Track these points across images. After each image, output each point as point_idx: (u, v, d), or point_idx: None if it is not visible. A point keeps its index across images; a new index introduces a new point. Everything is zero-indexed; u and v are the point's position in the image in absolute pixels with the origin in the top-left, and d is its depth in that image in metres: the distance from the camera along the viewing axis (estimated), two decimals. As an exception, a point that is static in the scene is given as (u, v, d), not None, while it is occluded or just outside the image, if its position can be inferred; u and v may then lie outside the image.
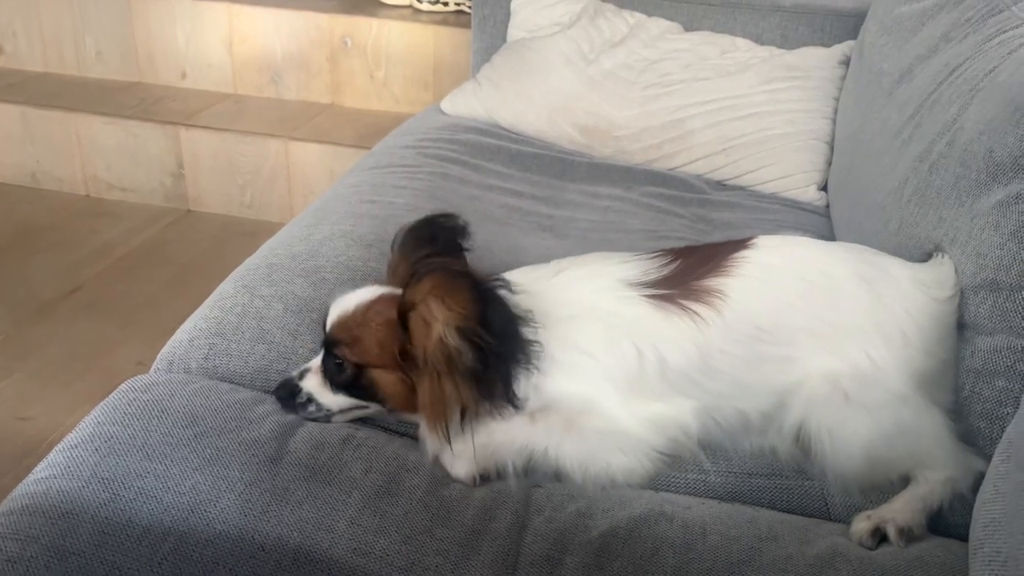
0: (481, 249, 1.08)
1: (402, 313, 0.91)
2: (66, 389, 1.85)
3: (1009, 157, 0.90)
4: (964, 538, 0.84)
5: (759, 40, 1.88)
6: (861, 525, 0.89)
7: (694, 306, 0.95)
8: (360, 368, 0.94)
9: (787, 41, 1.88)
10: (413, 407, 0.93)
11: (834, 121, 1.72)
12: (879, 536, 0.88)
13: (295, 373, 0.99)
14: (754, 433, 0.99)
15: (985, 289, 0.92)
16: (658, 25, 1.90)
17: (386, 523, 0.84)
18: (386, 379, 0.94)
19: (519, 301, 0.92)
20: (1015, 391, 0.89)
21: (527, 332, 0.90)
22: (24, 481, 0.86)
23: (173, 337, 1.13)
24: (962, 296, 0.97)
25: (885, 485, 0.95)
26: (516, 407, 0.92)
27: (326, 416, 0.97)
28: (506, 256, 1.26)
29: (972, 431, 0.94)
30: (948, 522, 0.91)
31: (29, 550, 0.77)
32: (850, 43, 1.81)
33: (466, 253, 1.03)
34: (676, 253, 1.02)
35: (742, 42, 1.86)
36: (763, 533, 0.87)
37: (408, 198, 1.45)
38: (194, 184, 2.65)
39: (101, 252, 2.41)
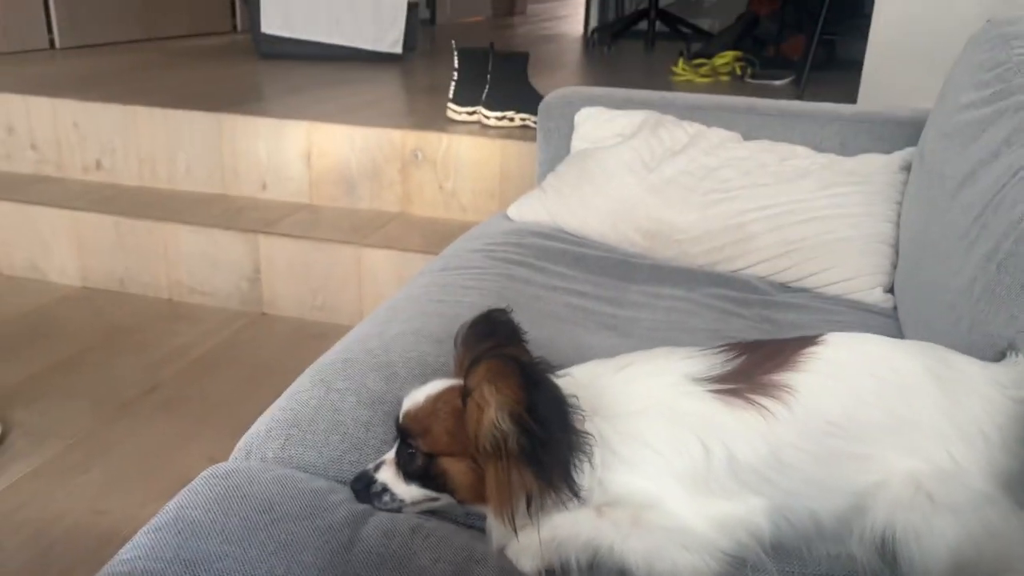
0: (546, 346, 1.11)
1: (464, 400, 0.93)
2: (141, 483, 1.90)
3: (1077, 253, 0.90)
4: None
5: (818, 148, 1.93)
6: (946, 632, 0.85)
7: (762, 400, 0.94)
8: (431, 457, 0.96)
9: (846, 149, 1.92)
10: (481, 497, 0.94)
11: (897, 224, 1.74)
12: (965, 642, 0.84)
13: (371, 466, 1.02)
14: (829, 539, 0.96)
15: (1063, 386, 0.91)
16: (718, 135, 1.96)
17: (455, 613, 0.84)
18: (455, 467, 0.95)
19: (573, 390, 0.93)
20: (1103, 492, 0.86)
21: (576, 419, 0.91)
22: (109, 563, 0.89)
23: (251, 428, 1.17)
24: (1039, 393, 0.95)
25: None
26: (577, 496, 0.91)
27: (399, 507, 0.99)
28: (570, 352, 1.28)
29: (1060, 535, 0.90)
30: (1040, 631, 0.87)
31: (112, 628, 0.79)
32: (910, 149, 1.84)
33: (525, 344, 1.06)
34: (742, 348, 1.02)
35: (801, 150, 1.91)
36: (841, 637, 0.84)
37: (475, 297, 1.50)
38: (269, 288, 2.77)
39: (179, 353, 2.52)
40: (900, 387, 0.97)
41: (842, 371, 0.98)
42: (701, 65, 4.31)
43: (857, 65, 3.13)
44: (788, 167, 1.85)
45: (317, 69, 4.23)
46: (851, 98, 3.01)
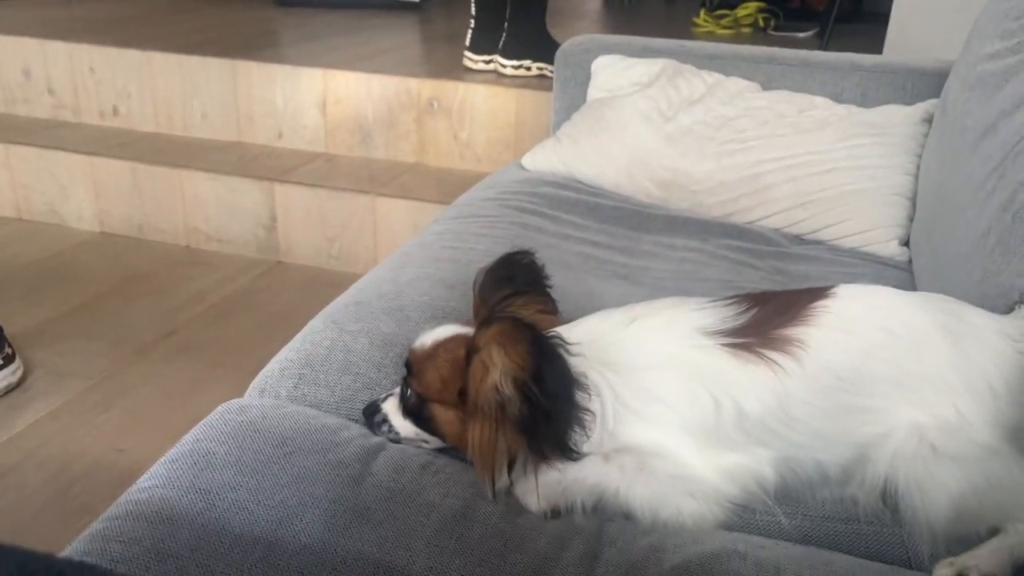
0: (557, 294, 1.11)
1: (469, 354, 0.93)
2: (160, 424, 1.94)
3: (1094, 202, 0.89)
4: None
5: (838, 99, 1.90)
6: (943, 572, 0.86)
7: (773, 355, 0.94)
8: (423, 400, 0.98)
9: (867, 100, 1.89)
10: (467, 446, 0.95)
11: (916, 177, 1.72)
12: (961, 584, 0.85)
13: (382, 396, 1.05)
14: (833, 485, 0.98)
15: (1072, 335, 0.91)
16: (736, 84, 1.94)
17: (462, 545, 0.86)
18: (443, 415, 0.97)
19: (588, 353, 0.93)
20: (1107, 440, 0.86)
21: (581, 397, 0.90)
22: (128, 490, 0.92)
23: (266, 367, 1.20)
24: (1048, 344, 0.95)
25: (972, 538, 0.92)
26: (574, 459, 0.92)
27: (396, 438, 1.02)
28: (582, 300, 1.29)
29: (1062, 483, 0.91)
30: (1037, 575, 0.88)
31: (131, 551, 0.82)
32: (932, 101, 1.81)
33: (549, 289, 1.06)
34: (753, 300, 1.02)
35: (820, 100, 1.88)
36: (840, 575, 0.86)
37: (488, 244, 1.50)
38: (285, 237, 2.79)
39: (196, 299, 2.55)
40: (909, 341, 0.97)
41: (852, 325, 0.98)
42: (723, 16, 4.23)
43: (884, 17, 3.06)
44: (806, 118, 1.83)
45: (333, 16, 4.19)
46: (877, 51, 2.95)
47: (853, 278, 1.49)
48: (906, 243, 1.67)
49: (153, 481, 0.92)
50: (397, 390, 1.03)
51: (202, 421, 1.02)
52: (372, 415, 1.04)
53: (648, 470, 0.94)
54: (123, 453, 1.85)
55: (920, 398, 0.94)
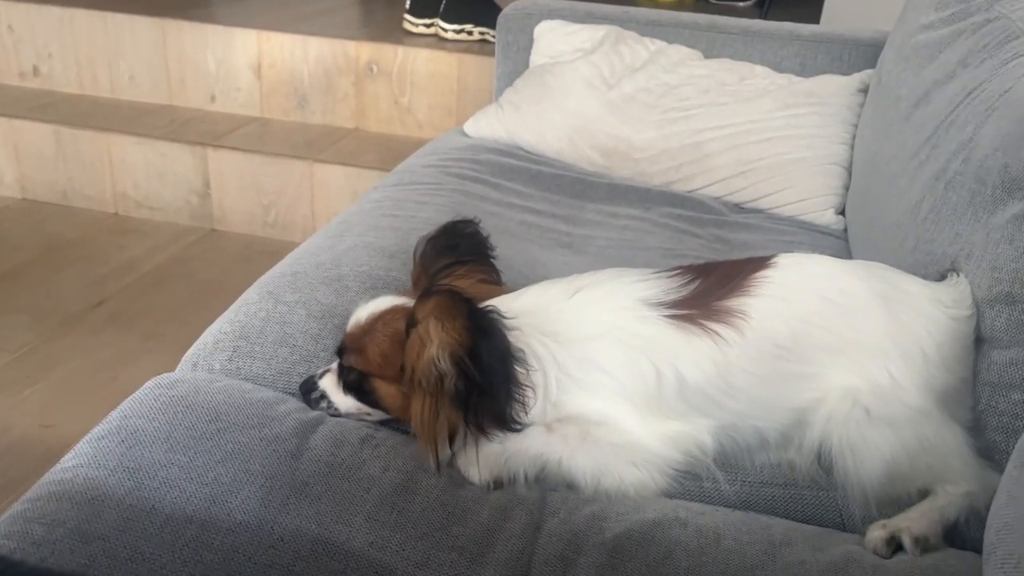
0: (500, 263, 1.10)
1: (408, 328, 0.92)
2: (89, 398, 1.88)
3: None
4: (979, 550, 0.84)
5: (778, 68, 1.91)
6: (876, 533, 0.89)
7: (714, 327, 0.95)
8: (364, 376, 0.97)
9: (805, 69, 1.91)
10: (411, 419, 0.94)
11: (851, 147, 1.74)
12: (894, 545, 0.88)
13: (319, 372, 1.02)
14: (772, 450, 0.99)
15: (1001, 303, 0.93)
16: (678, 52, 1.93)
17: (403, 519, 0.85)
18: (386, 390, 0.96)
19: (531, 324, 0.93)
20: (1031, 404, 0.89)
21: (519, 372, 0.90)
22: (51, 469, 0.88)
23: (199, 339, 1.16)
24: (978, 310, 0.97)
25: (904, 499, 0.95)
26: (515, 431, 0.91)
27: (335, 414, 1.00)
28: (525, 269, 1.28)
29: (988, 445, 0.94)
30: (964, 536, 0.91)
31: (55, 533, 0.78)
32: (868, 72, 1.83)
33: (493, 259, 1.05)
34: (695, 271, 1.02)
35: (760, 69, 1.89)
36: (777, 539, 0.87)
37: (430, 212, 1.47)
38: (219, 204, 2.70)
39: (127, 268, 2.46)
40: (846, 308, 0.99)
41: (792, 294, 0.99)
42: (665, -17, 4.22)
43: (821, -12, 3.08)
44: (747, 86, 1.84)
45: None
46: (814, 22, 2.97)
47: (791, 247, 1.51)
48: (842, 212, 1.69)
49: (78, 460, 0.88)
50: (334, 365, 1.01)
51: (130, 396, 0.98)
52: (309, 392, 1.01)
53: (591, 439, 0.94)
54: (50, 429, 1.78)
55: (855, 364, 0.96)
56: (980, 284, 0.97)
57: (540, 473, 0.94)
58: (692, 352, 0.95)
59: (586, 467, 0.93)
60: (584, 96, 1.84)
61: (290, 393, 1.06)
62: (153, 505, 0.82)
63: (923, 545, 0.87)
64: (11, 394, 1.87)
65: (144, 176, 2.72)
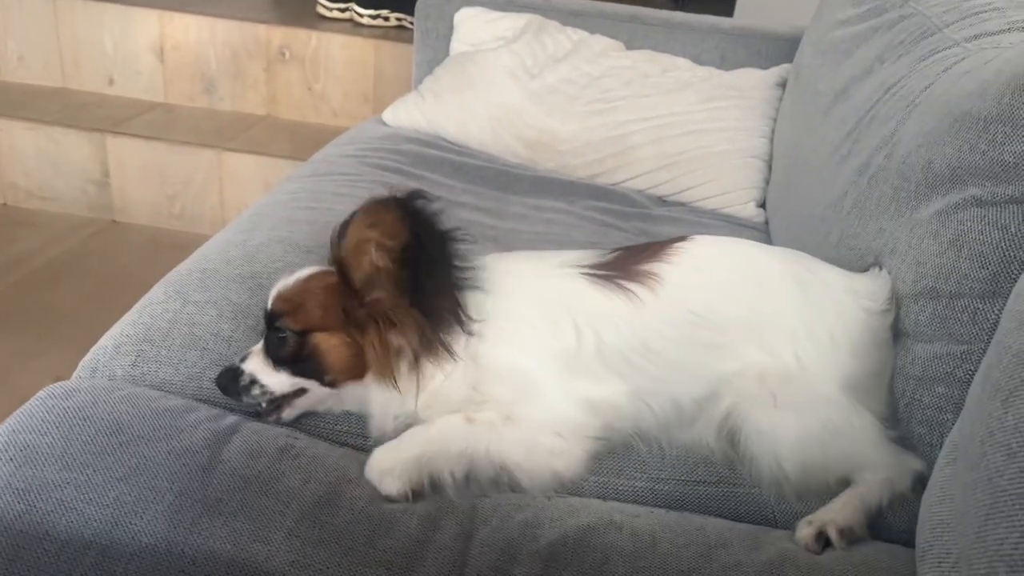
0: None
1: (341, 266, 0.92)
2: (-25, 405, 1.73)
3: (947, 167, 0.92)
4: (908, 544, 0.85)
5: (698, 60, 1.92)
6: (805, 531, 0.88)
7: (631, 286, 0.97)
8: (303, 336, 0.93)
9: (725, 62, 1.92)
10: (355, 372, 0.93)
11: (771, 140, 1.76)
12: (823, 540, 0.87)
13: (237, 359, 0.97)
14: (687, 424, 0.99)
15: (924, 297, 0.94)
16: (600, 43, 1.91)
17: (326, 534, 0.80)
18: (329, 343, 0.93)
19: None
20: (955, 397, 0.90)
21: (459, 248, 0.92)
22: (-73, 493, 0.79)
23: (97, 343, 1.07)
24: (902, 304, 0.99)
25: (824, 490, 0.95)
26: (452, 353, 0.91)
27: (270, 403, 0.95)
28: (450, 264, 1.23)
29: (913, 437, 0.95)
30: (892, 527, 0.92)
31: (-69, 567, 0.70)
32: (786, 66, 1.86)
33: None
34: (618, 248, 1.05)
35: (682, 62, 1.89)
36: (712, 541, 0.86)
37: (348, 205, 1.39)
38: (120, 194, 2.55)
39: (16, 262, 2.29)
40: (760, 285, 1.00)
41: (707, 265, 1.01)
42: (582, -26, 4.23)
43: (735, -18, 3.13)
44: (669, 79, 1.83)
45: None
46: (728, 15, 3.02)
47: (715, 239, 1.51)
48: (762, 205, 1.71)
49: (-42, 482, 0.79)
50: (255, 348, 0.97)
51: (19, 409, 0.89)
52: (233, 381, 0.95)
53: (514, 419, 0.92)
54: (-69, 439, 1.63)
55: (766, 340, 0.97)
56: (904, 279, 0.98)
57: (468, 467, 0.90)
58: (609, 310, 0.96)
59: (514, 446, 0.91)
60: (507, 86, 1.80)
61: (201, 400, 0.98)
62: (47, 530, 0.74)
63: (848, 537, 0.88)
64: None
65: (35, 164, 2.54)
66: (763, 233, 1.63)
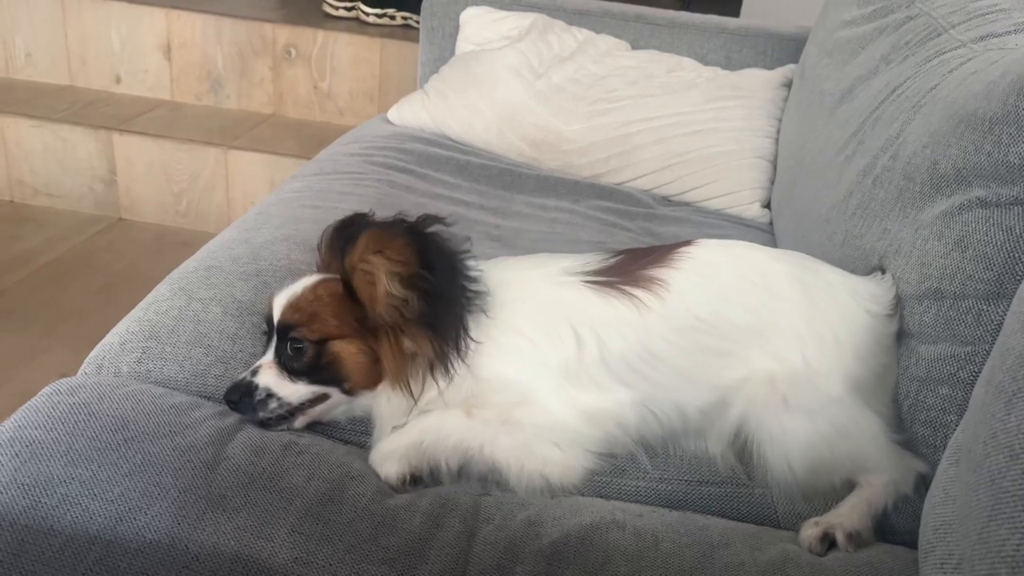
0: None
1: (346, 282, 0.91)
2: (-19, 401, 1.74)
3: (952, 168, 0.92)
4: (911, 545, 0.85)
5: (704, 60, 1.92)
6: (810, 532, 0.88)
7: (635, 291, 0.96)
8: (321, 345, 0.92)
9: (731, 62, 1.92)
10: (373, 380, 0.93)
11: (776, 141, 1.76)
12: (828, 542, 0.88)
13: (245, 373, 0.95)
14: (692, 434, 0.99)
15: (929, 298, 0.94)
16: (606, 42, 1.91)
17: (329, 531, 0.80)
18: (348, 350, 0.92)
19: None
20: (958, 398, 0.90)
21: (468, 268, 0.92)
22: (-67, 488, 0.79)
23: (104, 340, 1.07)
24: (906, 305, 0.98)
25: (828, 491, 0.95)
26: (465, 357, 0.91)
27: (287, 413, 0.94)
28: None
29: (916, 439, 0.95)
30: (895, 528, 0.92)
31: (-63, 561, 0.70)
32: (791, 66, 1.86)
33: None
34: (618, 252, 1.04)
35: (688, 62, 1.89)
36: (715, 540, 0.86)
37: (353, 203, 1.41)
38: (127, 192, 2.56)
39: (24, 259, 2.30)
40: (764, 288, 1.00)
41: (712, 271, 1.00)
42: (588, -27, 4.23)
43: (741, -18, 3.13)
44: (674, 79, 1.83)
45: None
46: (734, 16, 3.01)
47: (719, 239, 1.50)
48: (767, 205, 1.71)
49: (-36, 477, 0.79)
50: (264, 360, 0.95)
51: (26, 404, 0.90)
52: (247, 396, 0.93)
53: (512, 422, 0.92)
54: (-63, 435, 1.64)
55: (772, 345, 0.96)
56: (909, 280, 0.98)
57: (462, 461, 0.91)
58: (612, 316, 0.95)
59: (509, 451, 0.91)
60: (512, 85, 1.80)
61: (206, 397, 0.99)
62: (51, 525, 0.75)
63: (856, 541, 0.88)
64: None
65: (42, 162, 2.55)
66: (768, 233, 1.63)
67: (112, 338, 1.07)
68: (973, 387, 0.79)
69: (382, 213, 1.26)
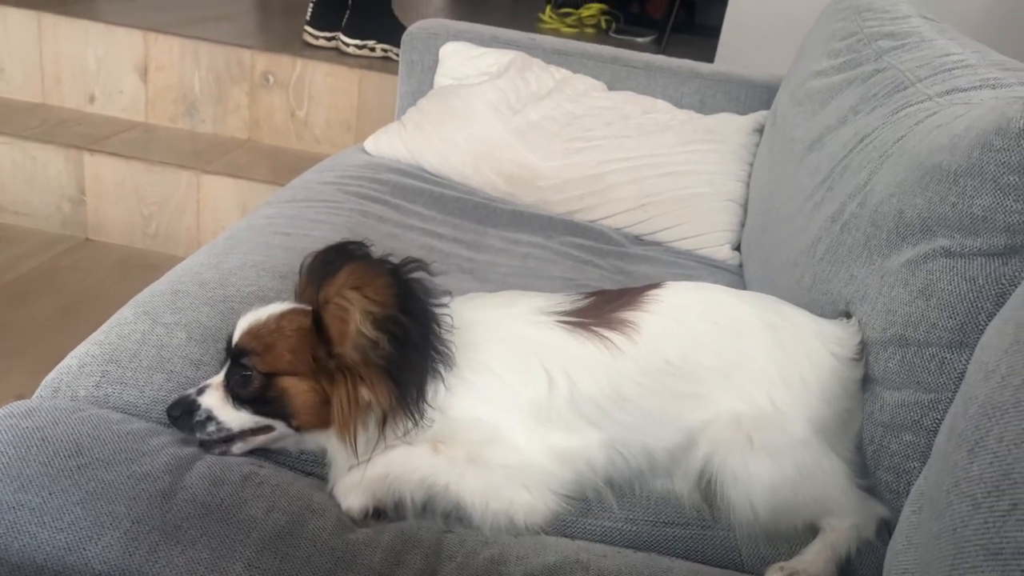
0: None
1: (317, 314, 0.89)
2: (-68, 421, 1.69)
3: (918, 218, 0.94)
4: (873, 590, 0.85)
5: (678, 104, 1.95)
6: (775, 576, 0.88)
7: (607, 333, 0.96)
8: (270, 378, 0.90)
9: (705, 106, 1.95)
10: (322, 421, 0.90)
11: (747, 185, 1.79)
12: (793, 587, 0.87)
13: (193, 390, 0.93)
14: (660, 474, 0.98)
15: (894, 344, 0.95)
16: (583, 82, 1.94)
17: (287, 566, 0.78)
18: (297, 388, 0.90)
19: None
20: (921, 445, 0.91)
21: (443, 323, 0.90)
22: None
23: (62, 362, 1.05)
24: (871, 351, 0.99)
25: (792, 534, 0.95)
26: (421, 416, 0.88)
27: (224, 438, 0.92)
28: (425, 295, 1.23)
29: (880, 484, 0.96)
30: (856, 574, 0.92)
31: None
32: (764, 112, 1.89)
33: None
34: (591, 293, 1.04)
35: (662, 104, 1.92)
36: (679, 583, 0.85)
37: (325, 232, 1.40)
38: (95, 212, 2.52)
39: (-15, 277, 2.26)
40: (733, 332, 1.00)
41: (682, 314, 1.01)
42: (568, 15, 4.29)
43: (714, 32, 3.20)
44: (649, 120, 1.86)
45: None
46: (708, 61, 3.07)
47: (690, 279, 1.52)
48: (737, 248, 1.73)
49: (-93, 501, 0.77)
50: (213, 381, 0.93)
51: (-24, 427, 0.87)
52: (187, 414, 0.92)
53: (479, 461, 0.91)
54: None
55: (740, 387, 0.97)
56: (874, 326, 0.99)
57: (427, 497, 0.90)
58: (584, 357, 0.95)
59: (475, 490, 0.90)
60: (489, 120, 1.81)
61: (165, 424, 0.96)
62: (-4, 554, 0.72)
63: (820, 586, 0.88)
64: None
65: (10, 179, 2.51)
66: (737, 275, 1.65)
67: (70, 361, 1.05)
68: (936, 434, 0.80)
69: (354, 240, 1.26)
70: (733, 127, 1.85)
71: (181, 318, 1.10)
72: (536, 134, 1.81)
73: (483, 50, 2.00)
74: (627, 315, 0.97)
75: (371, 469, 0.89)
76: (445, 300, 0.92)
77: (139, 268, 2.41)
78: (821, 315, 1.08)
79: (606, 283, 1.48)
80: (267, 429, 0.93)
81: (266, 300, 1.15)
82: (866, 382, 1.01)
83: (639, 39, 4.20)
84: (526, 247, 1.57)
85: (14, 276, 2.28)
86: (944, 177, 0.91)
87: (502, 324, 0.98)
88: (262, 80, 2.68)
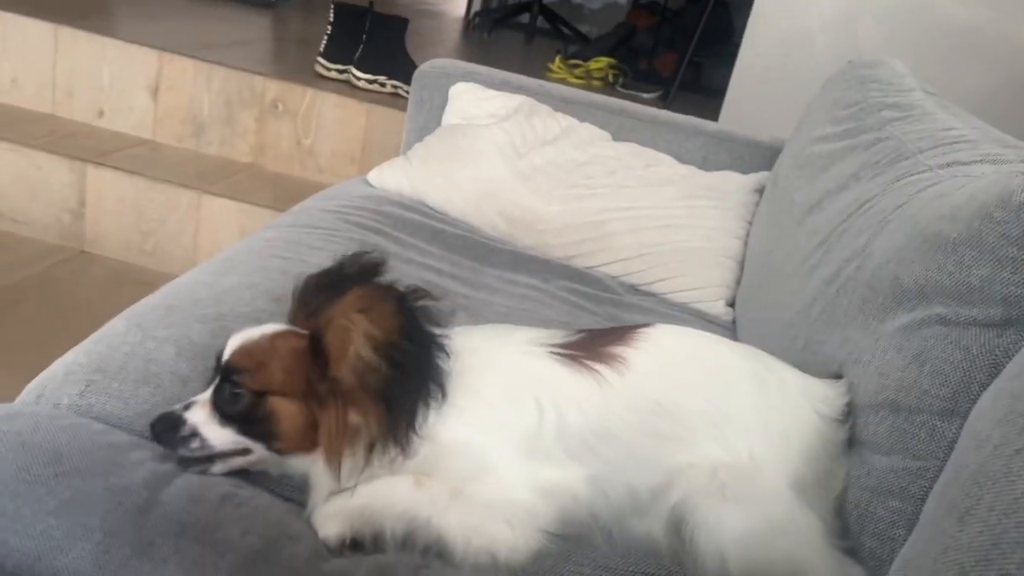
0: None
1: (313, 336, 0.88)
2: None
3: (915, 284, 0.95)
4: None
5: (681, 159, 1.97)
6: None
7: (598, 367, 0.96)
8: (260, 396, 0.89)
9: (707, 163, 1.98)
10: (307, 445, 0.89)
11: (745, 243, 1.80)
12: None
13: (179, 406, 0.92)
14: (641, 513, 0.97)
15: (885, 409, 0.95)
16: (589, 131, 1.96)
17: (259, 592, 0.77)
18: (286, 409, 0.89)
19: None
20: (908, 512, 0.90)
21: (442, 359, 0.89)
22: None
23: (47, 369, 1.04)
24: (861, 414, 0.99)
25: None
26: (408, 448, 0.88)
27: (207, 456, 0.90)
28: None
29: (864, 550, 0.94)
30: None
31: None
32: (765, 173, 1.92)
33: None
34: (583, 331, 1.05)
35: (665, 158, 1.94)
36: (656, 637, 0.84)
37: (323, 258, 1.39)
38: (94, 224, 2.53)
39: (-23, 283, 2.24)
40: (721, 379, 1.01)
41: (672, 356, 1.01)
42: (576, 66, 4.35)
43: (720, 92, 3.26)
44: (652, 173, 1.88)
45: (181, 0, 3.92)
46: (713, 120, 3.12)
47: (683, 332, 1.52)
48: (732, 304, 1.73)
49: None
50: (201, 397, 0.92)
51: (-46, 428, 0.86)
52: (171, 429, 0.90)
53: (462, 498, 0.89)
54: None
55: (722, 435, 0.97)
56: (866, 389, 0.99)
57: (408, 530, 0.88)
58: (574, 389, 0.95)
59: (457, 525, 0.88)
60: (495, 161, 1.83)
61: (147, 438, 0.95)
62: (-37, 558, 0.71)
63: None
64: None
65: (13, 186, 2.52)
66: (730, 331, 1.65)
67: (56, 367, 1.04)
68: (923, 502, 0.79)
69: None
70: (734, 185, 1.87)
71: (172, 333, 1.09)
72: (539, 178, 1.83)
73: (493, 93, 2.03)
74: (617, 350, 0.98)
75: (352, 499, 0.88)
76: (447, 331, 0.92)
77: (133, 284, 2.40)
78: (812, 375, 1.08)
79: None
80: (246, 452, 0.91)
81: (259, 321, 1.14)
82: (855, 445, 1.00)
83: (645, 95, 4.26)
84: (523, 288, 1.57)
85: (8, 283, 2.27)
86: (943, 245, 0.92)
87: (497, 352, 0.98)
88: (271, 107, 2.71)
